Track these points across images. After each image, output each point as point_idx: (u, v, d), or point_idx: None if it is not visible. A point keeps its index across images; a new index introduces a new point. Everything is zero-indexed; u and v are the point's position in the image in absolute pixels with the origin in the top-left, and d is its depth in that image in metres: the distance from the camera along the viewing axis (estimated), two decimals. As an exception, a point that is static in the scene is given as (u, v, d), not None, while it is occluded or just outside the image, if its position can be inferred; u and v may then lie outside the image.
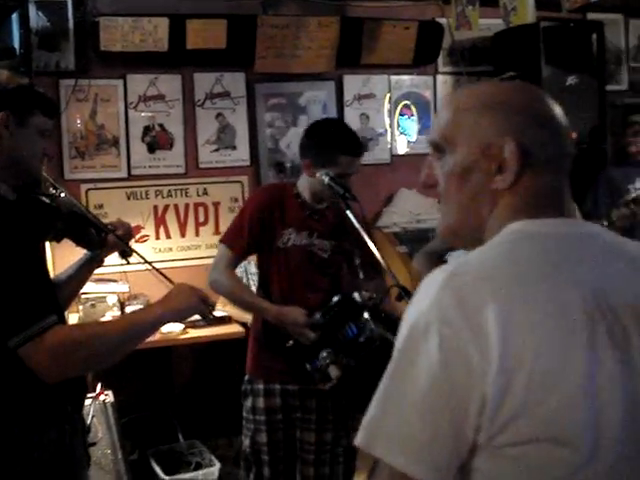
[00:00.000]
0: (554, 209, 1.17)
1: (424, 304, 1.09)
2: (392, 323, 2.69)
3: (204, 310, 2.13)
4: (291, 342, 2.79)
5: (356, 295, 2.79)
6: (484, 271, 1.11)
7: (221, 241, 3.08)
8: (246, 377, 3.07)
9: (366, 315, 2.68)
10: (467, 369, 1.04)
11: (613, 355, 1.06)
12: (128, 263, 2.47)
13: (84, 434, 2.14)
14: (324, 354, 2.68)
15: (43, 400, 1.83)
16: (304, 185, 2.97)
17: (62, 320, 1.81)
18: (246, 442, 3.04)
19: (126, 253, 2.41)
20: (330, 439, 2.97)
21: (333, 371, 2.64)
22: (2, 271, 1.71)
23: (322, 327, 2.75)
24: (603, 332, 1.06)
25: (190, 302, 2.02)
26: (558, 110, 1.21)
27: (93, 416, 3.27)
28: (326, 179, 2.65)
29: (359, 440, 1.11)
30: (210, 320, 2.57)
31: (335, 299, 2.78)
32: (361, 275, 2.84)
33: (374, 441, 1.10)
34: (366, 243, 3.01)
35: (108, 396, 3.44)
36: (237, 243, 2.97)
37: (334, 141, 2.83)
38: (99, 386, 3.46)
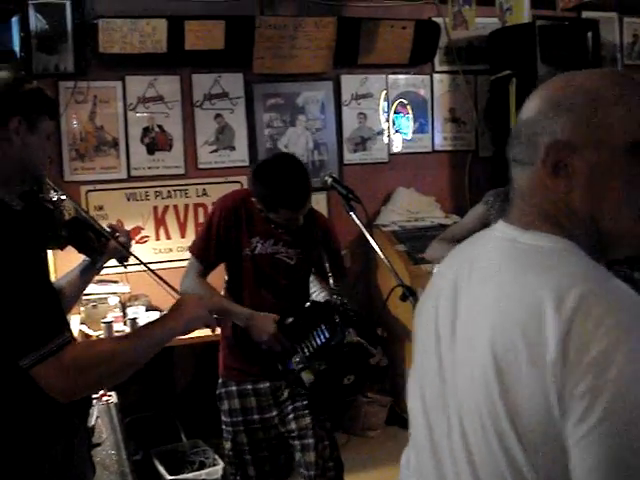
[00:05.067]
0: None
1: None
2: (363, 325, 2.75)
3: (211, 321, 2.11)
4: (264, 347, 2.84)
5: (328, 299, 2.84)
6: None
7: (190, 251, 3.07)
8: (219, 380, 3.08)
9: (337, 319, 2.70)
10: None
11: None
12: (125, 267, 2.47)
13: (89, 443, 2.12)
14: (297, 359, 2.72)
15: (51, 415, 1.78)
16: None
17: (72, 335, 1.74)
18: (227, 445, 3.05)
19: (124, 259, 2.39)
20: (310, 422, 2.96)
21: (306, 377, 2.68)
22: (12, 287, 1.62)
23: (294, 330, 2.78)
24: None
25: (198, 313, 2.00)
26: (524, 109, 1.22)
27: (97, 417, 3.29)
28: (329, 180, 2.68)
29: None
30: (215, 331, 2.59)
31: (308, 304, 2.82)
32: (331, 281, 2.85)
33: None
34: (334, 249, 3.06)
35: (112, 397, 3.47)
36: (205, 254, 2.98)
37: (276, 195, 2.81)
38: (102, 387, 3.49)
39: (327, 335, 2.70)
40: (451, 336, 1.21)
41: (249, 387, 3.01)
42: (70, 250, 2.35)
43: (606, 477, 0.96)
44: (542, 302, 1.03)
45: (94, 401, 3.31)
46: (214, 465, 3.91)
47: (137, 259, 2.38)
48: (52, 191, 2.19)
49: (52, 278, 1.94)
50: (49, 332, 1.64)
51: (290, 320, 2.82)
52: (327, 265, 2.88)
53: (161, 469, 3.82)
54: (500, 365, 1.06)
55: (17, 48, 4.02)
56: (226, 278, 3.08)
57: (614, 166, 1.11)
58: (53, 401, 1.69)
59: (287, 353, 2.81)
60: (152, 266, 2.45)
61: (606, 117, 1.11)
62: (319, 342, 2.72)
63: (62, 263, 2.93)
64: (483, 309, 1.14)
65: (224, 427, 3.06)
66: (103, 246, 2.29)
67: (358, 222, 2.47)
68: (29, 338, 1.62)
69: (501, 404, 1.06)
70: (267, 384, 2.98)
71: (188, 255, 3.09)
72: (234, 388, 3.02)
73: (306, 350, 2.75)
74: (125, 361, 1.78)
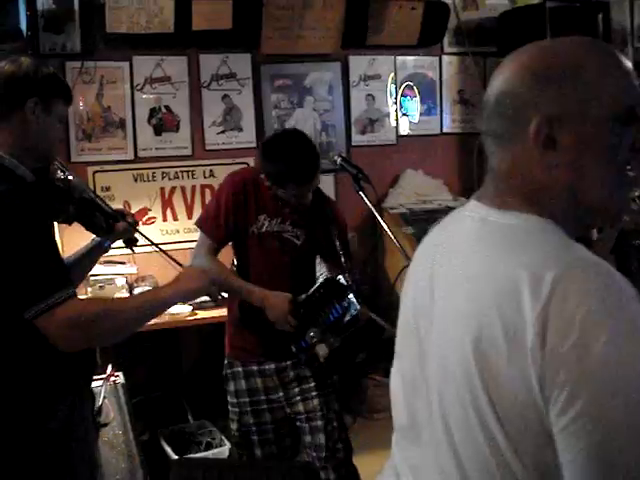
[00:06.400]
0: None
1: None
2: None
3: (213, 292, 2.26)
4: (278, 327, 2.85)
5: (340, 277, 2.84)
6: None
7: (199, 227, 3.03)
8: (225, 361, 3.09)
9: (350, 296, 2.72)
10: None
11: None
12: (133, 252, 2.53)
13: (93, 406, 2.23)
14: (311, 334, 2.73)
15: (56, 372, 1.89)
16: None
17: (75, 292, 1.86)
18: (234, 426, 3.06)
19: (131, 242, 2.47)
20: (318, 404, 2.98)
21: (321, 350, 2.70)
22: (20, 246, 1.77)
23: (307, 308, 2.79)
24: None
25: (199, 284, 2.12)
26: (498, 79, 1.19)
27: (105, 397, 3.31)
28: (338, 159, 2.67)
29: None
30: (218, 301, 2.63)
31: (320, 281, 2.83)
32: (343, 259, 2.85)
33: None
34: (342, 230, 3.05)
35: (119, 377, 3.48)
36: (216, 232, 2.97)
37: (283, 170, 2.80)
38: (110, 368, 3.49)
39: (340, 312, 2.71)
40: (429, 319, 1.19)
41: (254, 368, 3.01)
42: (77, 229, 2.36)
43: (587, 472, 0.94)
44: (518, 283, 1.00)
45: (101, 381, 3.34)
46: (221, 446, 3.92)
47: (145, 238, 2.41)
48: (60, 171, 2.25)
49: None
50: (53, 285, 1.77)
51: (303, 297, 2.83)
52: (338, 244, 2.87)
53: (168, 449, 3.83)
54: (479, 348, 1.04)
55: (24, 27, 3.99)
56: (234, 257, 3.08)
57: (599, 138, 1.10)
58: (58, 357, 1.82)
59: (300, 332, 2.81)
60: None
61: (593, 89, 1.10)
62: (332, 318, 2.73)
63: (70, 240, 2.93)
64: (455, 291, 1.13)
65: (230, 408, 3.07)
66: (111, 226, 2.37)
67: (367, 202, 2.45)
68: (34, 290, 1.76)
69: (482, 390, 1.03)
70: (272, 365, 2.98)
71: (196, 236, 3.08)
72: (240, 369, 3.03)
73: (321, 325, 2.76)
74: (125, 319, 1.93)
